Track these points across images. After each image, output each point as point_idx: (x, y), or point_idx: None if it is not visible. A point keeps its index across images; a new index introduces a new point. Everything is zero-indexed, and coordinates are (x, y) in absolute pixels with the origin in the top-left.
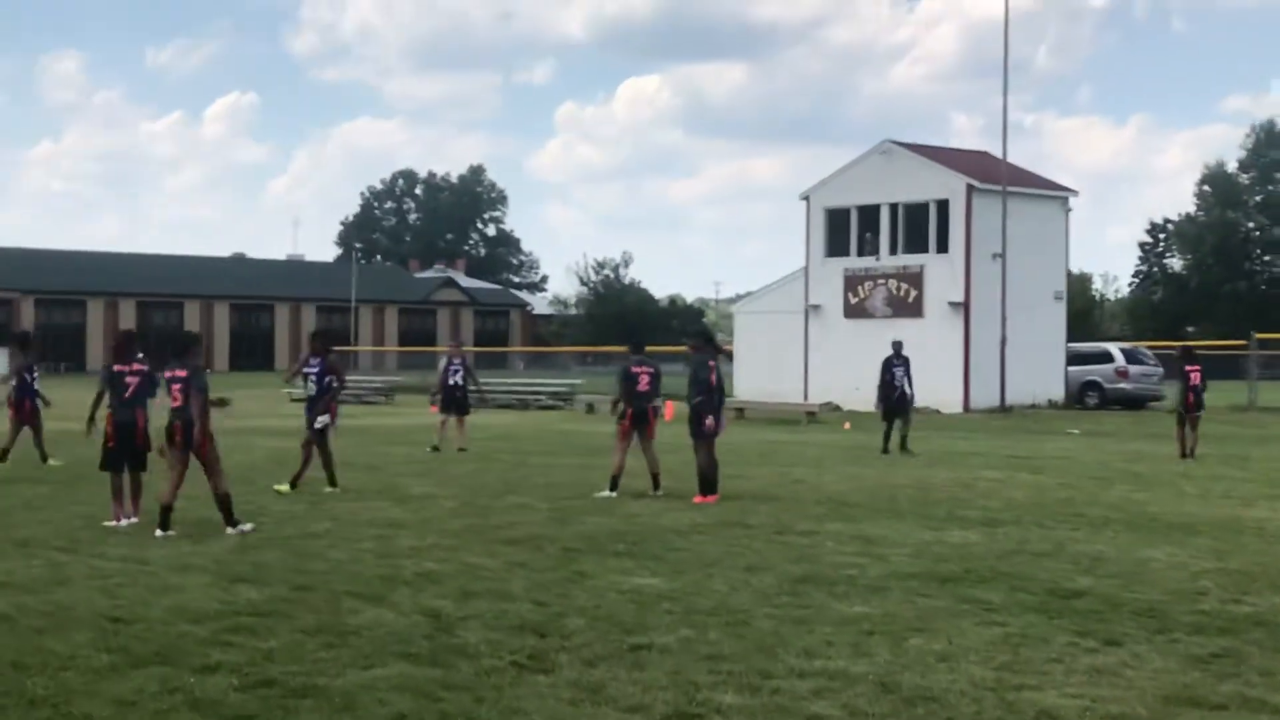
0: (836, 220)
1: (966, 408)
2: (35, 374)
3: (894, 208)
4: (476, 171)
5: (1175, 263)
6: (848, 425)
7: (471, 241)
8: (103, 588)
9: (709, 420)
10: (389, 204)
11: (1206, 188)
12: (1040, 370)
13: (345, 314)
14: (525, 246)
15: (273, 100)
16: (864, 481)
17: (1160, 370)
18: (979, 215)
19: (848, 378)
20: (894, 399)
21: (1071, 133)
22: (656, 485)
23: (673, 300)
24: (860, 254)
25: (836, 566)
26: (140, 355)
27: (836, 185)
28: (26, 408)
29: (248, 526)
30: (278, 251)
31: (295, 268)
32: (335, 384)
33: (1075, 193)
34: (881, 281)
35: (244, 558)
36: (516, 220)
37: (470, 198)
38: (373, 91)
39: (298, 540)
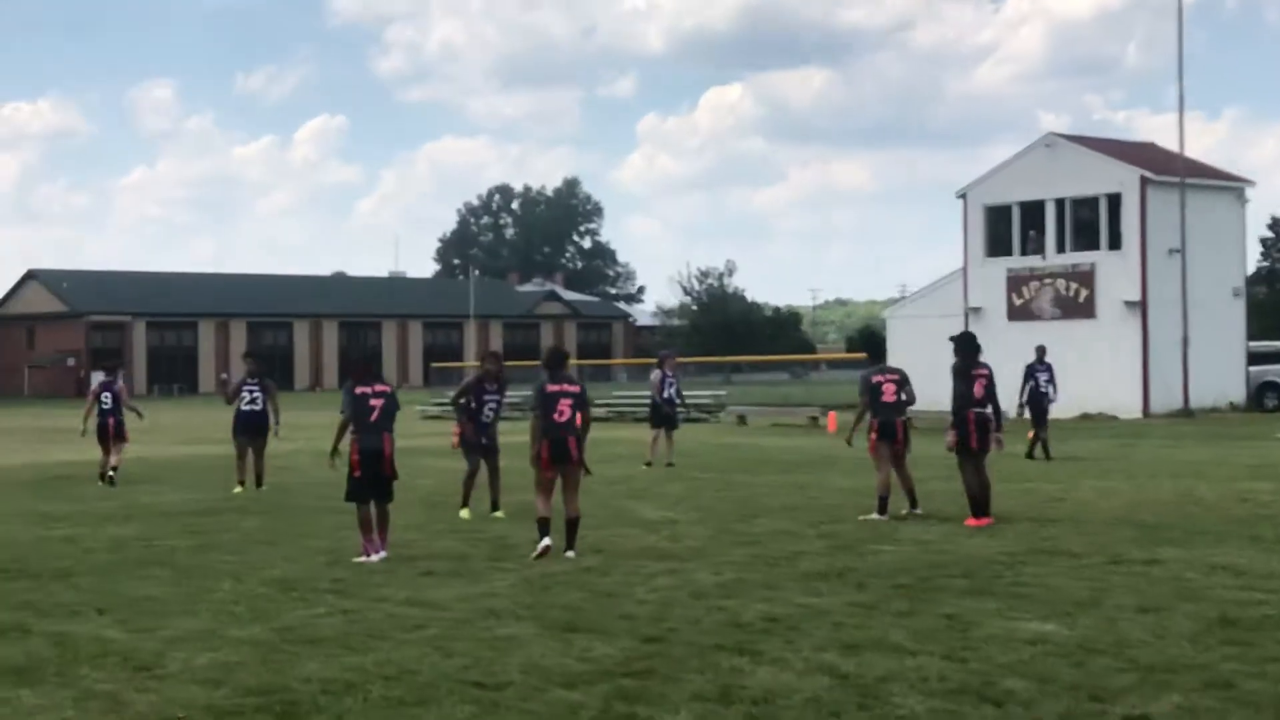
0: (997, 218)
1: (1146, 412)
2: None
3: (1060, 203)
4: (571, 184)
5: None
6: (1031, 434)
7: (568, 254)
8: (429, 641)
9: (950, 436)
10: (485, 219)
11: None
12: (1219, 371)
13: (450, 330)
14: (620, 258)
15: (360, 121)
16: (1124, 497)
17: None
18: (1154, 209)
19: (1014, 383)
20: (1041, 406)
21: (1164, 129)
22: (914, 504)
23: (777, 309)
24: (1024, 253)
25: (1239, 604)
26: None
27: (996, 181)
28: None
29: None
30: (373, 270)
31: (398, 285)
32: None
33: (1253, 183)
34: (1048, 281)
35: (546, 599)
36: (607, 233)
37: (565, 211)
38: (457, 110)
39: (580, 576)
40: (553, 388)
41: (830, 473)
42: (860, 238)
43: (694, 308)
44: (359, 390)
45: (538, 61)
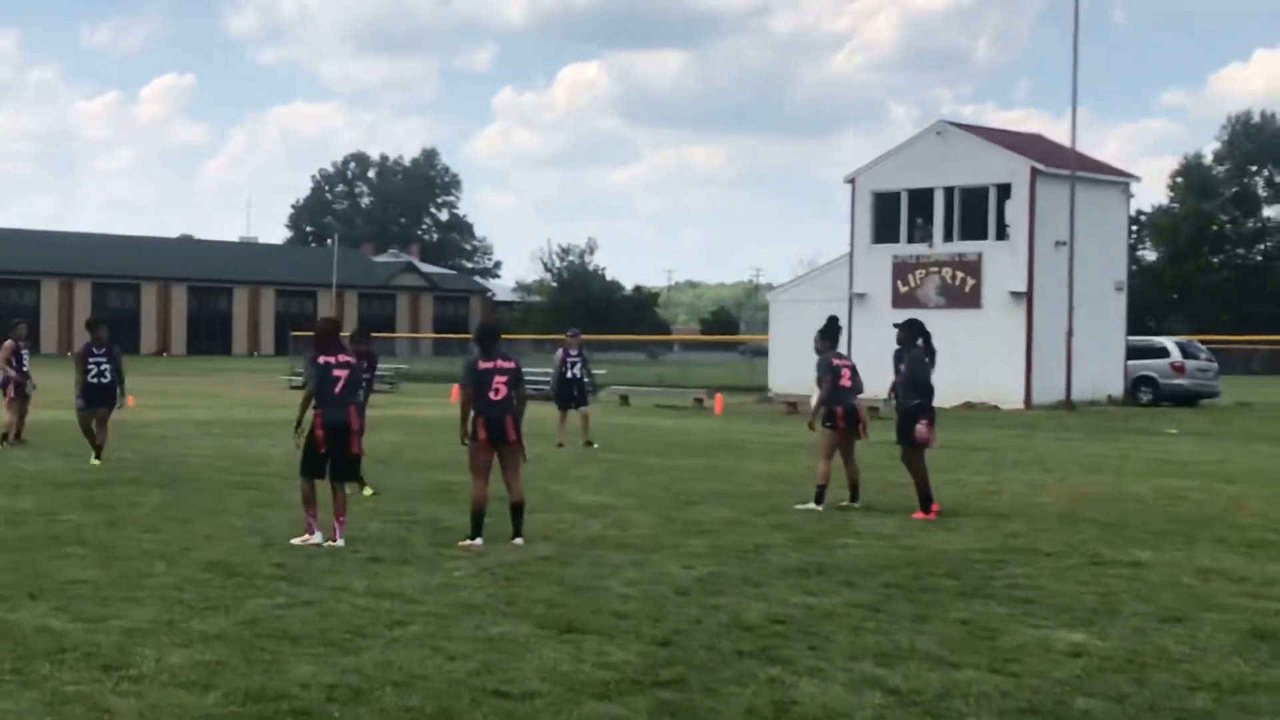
0: (885, 205)
1: (1028, 403)
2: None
3: (949, 191)
4: (430, 155)
5: (1148, 254)
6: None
7: (425, 226)
8: (421, 640)
9: (921, 427)
10: (340, 187)
11: (1180, 179)
12: (1100, 365)
13: (304, 298)
14: (477, 233)
15: (209, 81)
16: (1056, 491)
17: (1215, 365)
18: (1043, 200)
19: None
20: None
21: (1010, 125)
22: (855, 496)
23: (637, 289)
24: (911, 240)
25: (1261, 614)
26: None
27: (886, 168)
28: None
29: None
30: (223, 234)
31: (251, 250)
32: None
33: (1138, 179)
34: (935, 270)
35: (520, 592)
36: (463, 206)
37: (423, 182)
38: (310, 74)
39: (541, 566)
40: (485, 364)
41: (745, 458)
42: (713, 221)
43: (554, 284)
44: (323, 360)
45: (394, 28)
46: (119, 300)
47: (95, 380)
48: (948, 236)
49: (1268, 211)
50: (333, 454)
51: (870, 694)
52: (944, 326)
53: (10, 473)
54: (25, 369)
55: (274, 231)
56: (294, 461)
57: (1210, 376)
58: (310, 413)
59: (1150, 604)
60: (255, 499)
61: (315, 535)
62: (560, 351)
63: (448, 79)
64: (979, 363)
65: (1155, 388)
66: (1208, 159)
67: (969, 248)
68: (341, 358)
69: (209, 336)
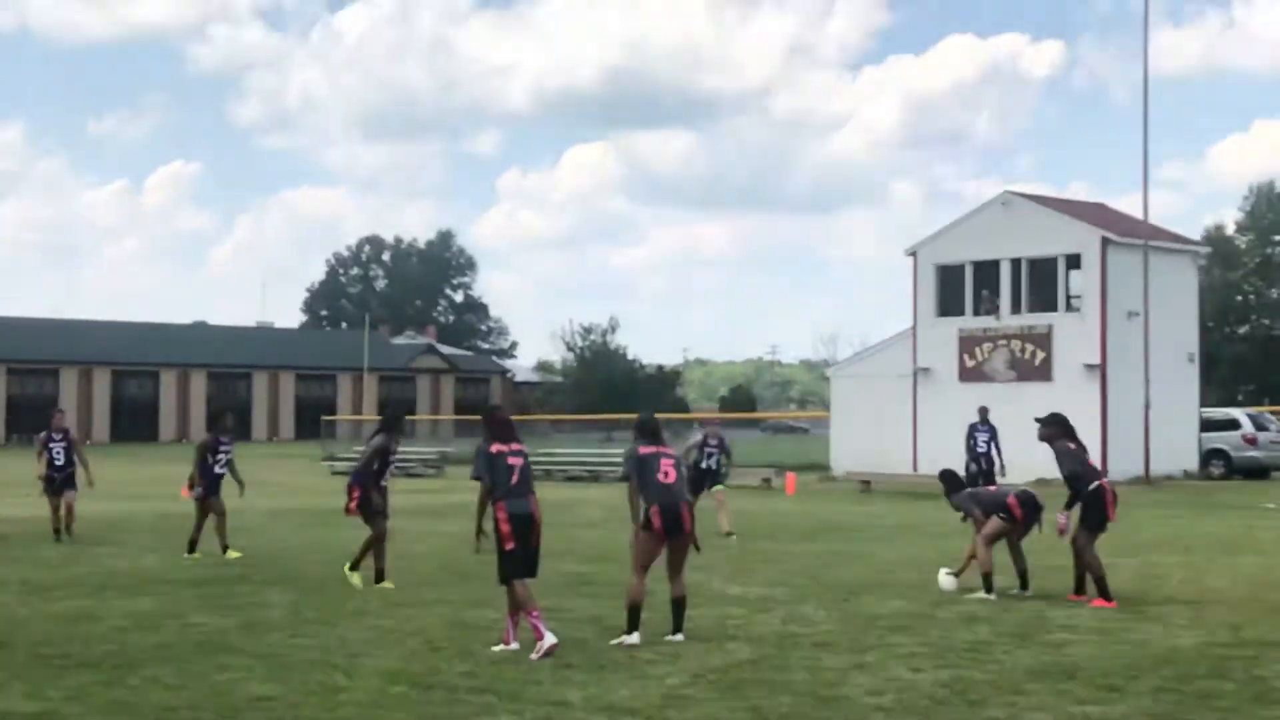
0: (949, 277)
1: (1105, 476)
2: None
3: (1015, 263)
4: (445, 237)
5: None
6: None
7: (440, 308)
8: None
9: (1059, 518)
10: (355, 270)
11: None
12: (1174, 438)
13: (323, 382)
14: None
15: (215, 169)
16: (1220, 574)
17: None
18: (1114, 270)
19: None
20: (981, 467)
21: None
22: (1025, 585)
23: (660, 367)
24: (977, 313)
25: None
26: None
27: (949, 240)
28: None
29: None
30: (234, 320)
31: (268, 335)
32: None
33: (1209, 248)
34: (1003, 343)
35: (767, 702)
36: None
37: (437, 264)
38: (316, 160)
39: (756, 671)
40: (648, 449)
41: (861, 541)
42: (719, 299)
43: (576, 364)
44: (496, 449)
45: (399, 114)
46: (137, 387)
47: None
48: (1015, 309)
49: None
50: (525, 548)
51: None
52: (1014, 400)
53: (104, 571)
54: (56, 461)
55: (289, 316)
56: (407, 554)
57: None
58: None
59: None
60: (388, 596)
61: (514, 644)
62: (700, 436)
63: (453, 163)
64: None
65: (1228, 460)
66: (1229, 229)
67: (1038, 320)
68: (515, 446)
69: None
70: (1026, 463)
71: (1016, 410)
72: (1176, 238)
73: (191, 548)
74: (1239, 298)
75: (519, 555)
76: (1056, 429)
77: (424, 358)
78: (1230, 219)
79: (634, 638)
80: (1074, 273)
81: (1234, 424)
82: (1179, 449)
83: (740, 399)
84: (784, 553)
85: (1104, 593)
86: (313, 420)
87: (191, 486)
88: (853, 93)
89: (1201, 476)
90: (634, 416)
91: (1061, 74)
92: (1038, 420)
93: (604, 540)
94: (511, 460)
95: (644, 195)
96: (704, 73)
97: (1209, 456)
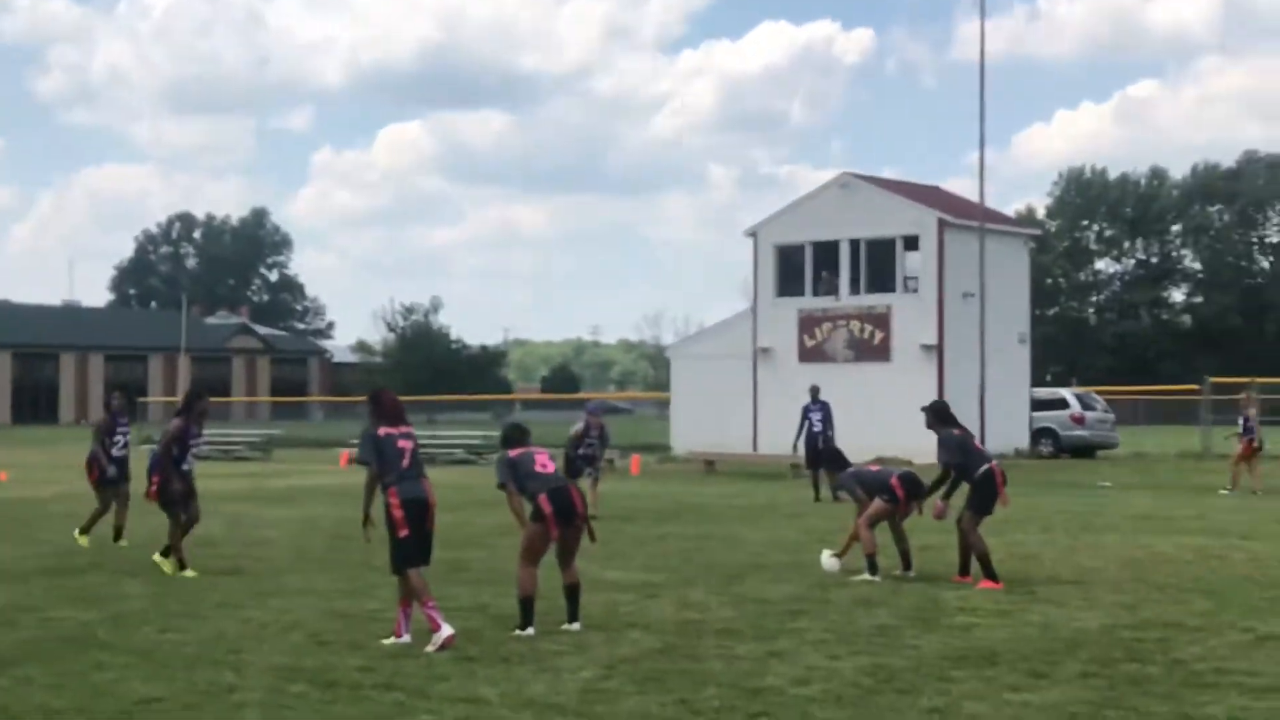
0: (788, 258)
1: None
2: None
3: (854, 244)
4: (259, 215)
5: None
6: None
7: (254, 287)
8: None
9: (938, 503)
10: (165, 248)
11: None
12: (1007, 417)
13: (134, 363)
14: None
15: (16, 143)
16: (1092, 553)
17: (1112, 416)
18: (950, 252)
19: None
20: (816, 446)
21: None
22: (908, 565)
23: (483, 347)
24: (816, 294)
25: None
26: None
27: (788, 220)
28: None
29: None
30: (39, 298)
31: (75, 314)
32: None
33: (1040, 232)
34: (842, 323)
35: (696, 696)
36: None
37: (251, 242)
38: (122, 135)
39: (671, 661)
40: (518, 451)
41: (725, 523)
42: (537, 279)
43: (396, 345)
44: (385, 431)
45: (209, 89)
46: None
47: None
48: (854, 289)
49: (1098, 264)
50: (420, 534)
51: None
52: (853, 380)
53: None
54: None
55: (96, 295)
56: (258, 541)
57: (1109, 428)
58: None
59: None
60: (250, 586)
61: (406, 636)
62: (581, 426)
63: (265, 140)
64: (890, 416)
65: (1056, 439)
66: (1039, 214)
67: (877, 300)
68: (404, 428)
69: (33, 404)
70: (863, 442)
71: (856, 390)
72: (1010, 220)
73: (117, 535)
74: (1049, 280)
75: (413, 542)
76: (935, 418)
77: (239, 338)
78: (1038, 204)
79: (529, 631)
80: (911, 254)
81: (1062, 403)
82: (1011, 428)
83: (562, 379)
84: (649, 535)
85: (990, 574)
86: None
87: (92, 471)
88: (670, 75)
89: (1031, 455)
90: (459, 398)
91: (873, 61)
92: (923, 409)
93: (465, 525)
94: (401, 443)
95: (461, 175)
96: (522, 52)
97: (1038, 435)
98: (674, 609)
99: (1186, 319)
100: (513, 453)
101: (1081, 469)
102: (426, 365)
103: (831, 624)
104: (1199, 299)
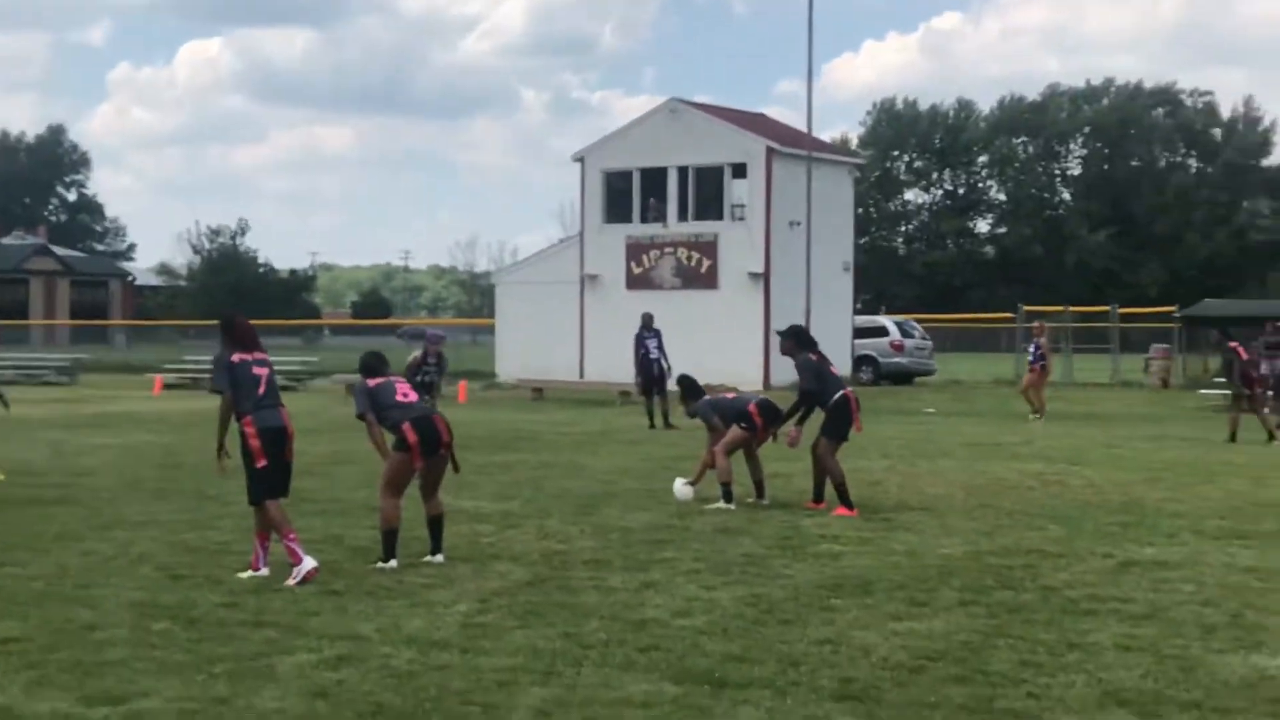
0: (616, 184)
1: (767, 385)
2: None
3: (682, 171)
4: (56, 132)
5: None
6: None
7: (51, 207)
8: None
9: (791, 429)
10: None
11: None
12: (831, 345)
13: None
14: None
15: None
16: (935, 480)
17: (930, 344)
18: (778, 180)
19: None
20: (653, 374)
21: (636, 111)
22: (761, 493)
23: (293, 272)
24: (644, 221)
25: None
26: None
27: (617, 146)
28: None
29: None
30: None
31: None
32: None
33: (865, 161)
34: (670, 250)
35: (582, 630)
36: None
37: (48, 160)
38: None
39: (545, 594)
40: (377, 380)
41: (563, 451)
42: (345, 203)
43: (201, 268)
44: (238, 358)
45: (3, 3)
46: None
47: None
48: (682, 216)
49: (908, 195)
50: (279, 465)
51: None
52: (681, 308)
53: None
54: None
55: None
56: (84, 470)
57: (926, 355)
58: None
59: (1258, 614)
60: (86, 517)
61: (264, 569)
62: (420, 353)
63: (60, 55)
64: (717, 344)
65: (876, 367)
66: (852, 144)
67: (704, 228)
68: (259, 354)
69: None
70: (690, 369)
71: (683, 318)
72: (836, 149)
73: None
74: (859, 210)
75: (271, 473)
76: (793, 342)
77: (37, 259)
78: (852, 136)
79: (392, 564)
80: (739, 182)
81: (882, 331)
82: (834, 356)
83: (372, 305)
84: (492, 464)
85: (845, 501)
86: None
87: None
88: None
89: (851, 383)
90: (267, 323)
91: None
92: (779, 333)
93: (299, 454)
94: (256, 370)
95: (264, 94)
96: None
97: (858, 363)
98: (536, 539)
99: (990, 249)
100: (372, 382)
101: (904, 396)
102: (234, 289)
103: (699, 553)
104: (1003, 229)
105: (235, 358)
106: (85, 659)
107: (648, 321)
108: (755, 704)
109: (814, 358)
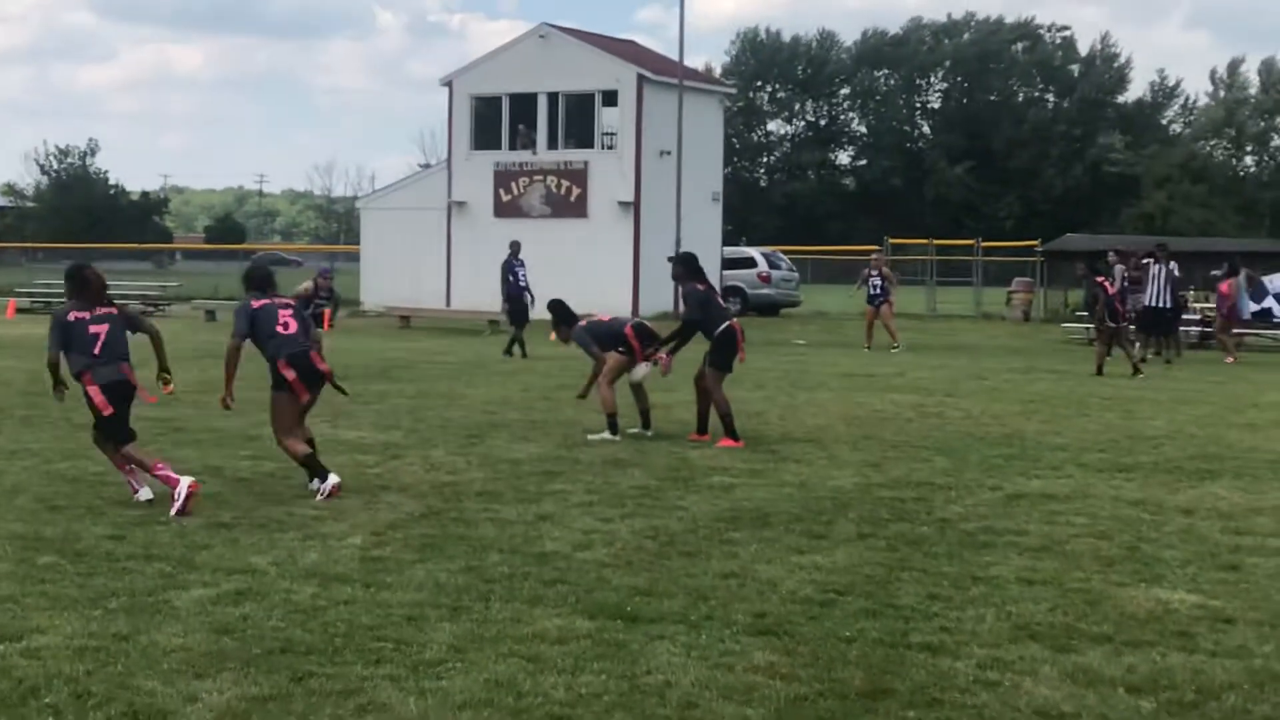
0: (485, 110)
1: (636, 313)
2: None
3: (553, 97)
4: None
5: None
6: (553, 336)
7: None
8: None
9: (663, 355)
10: None
11: None
12: None
13: None
14: None
15: None
16: (814, 411)
17: (797, 275)
18: (649, 109)
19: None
20: (523, 300)
21: (497, 35)
22: (647, 424)
23: (145, 194)
24: (513, 148)
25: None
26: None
27: (485, 71)
28: None
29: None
30: None
31: None
32: None
33: (734, 90)
34: (539, 178)
35: (483, 563)
36: None
37: None
38: None
39: (440, 526)
40: (261, 302)
41: (439, 380)
42: (195, 125)
43: (49, 189)
44: (75, 316)
45: None
46: None
47: None
48: (551, 144)
49: (770, 126)
50: (124, 409)
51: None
52: (550, 237)
53: None
54: None
55: None
56: None
57: (793, 287)
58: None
59: (1153, 545)
60: None
61: (143, 490)
62: (310, 285)
63: None
64: (586, 274)
65: (744, 298)
66: (716, 73)
67: (574, 156)
68: (100, 310)
69: None
70: (564, 299)
71: (553, 247)
72: (707, 78)
73: None
74: (724, 141)
75: (122, 418)
76: (684, 269)
77: None
78: (715, 64)
79: (331, 479)
80: (609, 110)
81: (750, 262)
82: None
83: (226, 230)
84: (368, 393)
85: (731, 432)
86: None
87: None
88: None
89: None
90: (118, 246)
91: None
92: (670, 259)
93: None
94: (94, 328)
95: (112, 10)
96: None
97: (726, 294)
98: (423, 470)
99: (851, 181)
100: (255, 303)
101: (773, 327)
102: (84, 211)
103: (591, 485)
104: (864, 162)
105: (71, 316)
106: None
107: (516, 249)
108: (671, 639)
109: (701, 287)
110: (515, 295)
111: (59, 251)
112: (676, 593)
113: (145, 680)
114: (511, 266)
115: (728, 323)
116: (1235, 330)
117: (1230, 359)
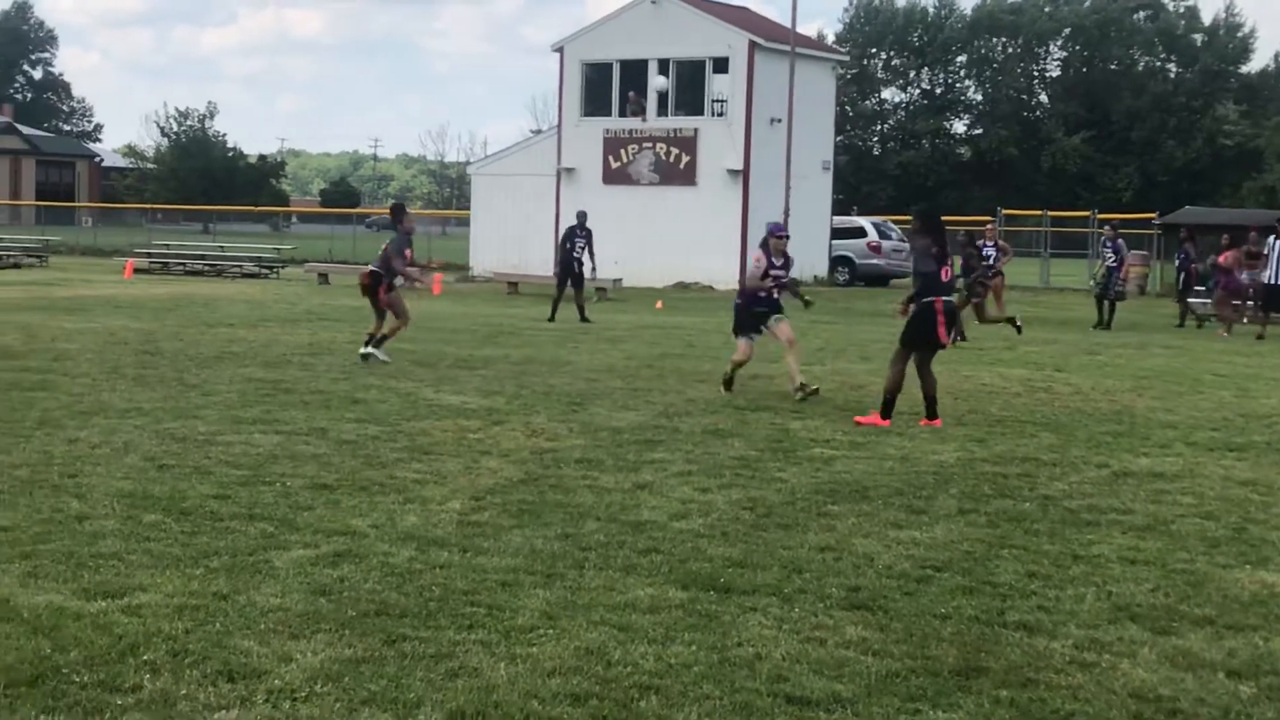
0: (596, 76)
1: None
2: None
3: (664, 64)
4: (22, 8)
5: None
6: (660, 304)
7: (17, 85)
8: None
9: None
10: None
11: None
12: (808, 245)
13: None
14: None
15: None
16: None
17: (907, 246)
18: (760, 76)
19: (607, 249)
20: (573, 270)
21: (610, 2)
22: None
23: (263, 157)
24: (623, 114)
25: None
26: None
27: (597, 37)
28: None
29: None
30: None
31: None
32: None
33: (848, 58)
34: (648, 145)
35: (579, 530)
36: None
37: (13, 37)
38: None
39: (539, 493)
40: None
41: (546, 346)
42: (313, 89)
43: (170, 151)
44: None
45: None
46: None
47: None
48: (661, 111)
49: (884, 94)
50: None
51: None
52: (658, 204)
53: None
54: None
55: None
56: (61, 354)
57: (904, 257)
58: None
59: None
60: (68, 404)
61: None
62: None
63: None
64: (693, 242)
65: (852, 268)
66: (829, 41)
67: (684, 123)
68: None
69: None
70: (666, 265)
71: (660, 214)
72: (820, 45)
73: None
74: (837, 108)
75: None
76: (921, 224)
77: (2, 138)
78: (828, 31)
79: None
80: (720, 76)
81: (860, 232)
82: (812, 255)
83: (341, 193)
84: (474, 358)
85: (884, 411)
86: None
87: None
88: None
89: (828, 283)
90: (236, 208)
91: None
92: (910, 209)
93: (273, 344)
94: None
95: None
96: None
97: (835, 263)
98: (524, 436)
99: (965, 150)
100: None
101: (880, 297)
102: (203, 174)
103: (690, 455)
104: (979, 131)
105: None
106: (78, 550)
107: (582, 219)
108: (763, 611)
109: (935, 249)
110: (565, 262)
111: (177, 213)
112: (771, 565)
113: (241, 639)
114: (573, 234)
115: (933, 298)
116: None
117: None
